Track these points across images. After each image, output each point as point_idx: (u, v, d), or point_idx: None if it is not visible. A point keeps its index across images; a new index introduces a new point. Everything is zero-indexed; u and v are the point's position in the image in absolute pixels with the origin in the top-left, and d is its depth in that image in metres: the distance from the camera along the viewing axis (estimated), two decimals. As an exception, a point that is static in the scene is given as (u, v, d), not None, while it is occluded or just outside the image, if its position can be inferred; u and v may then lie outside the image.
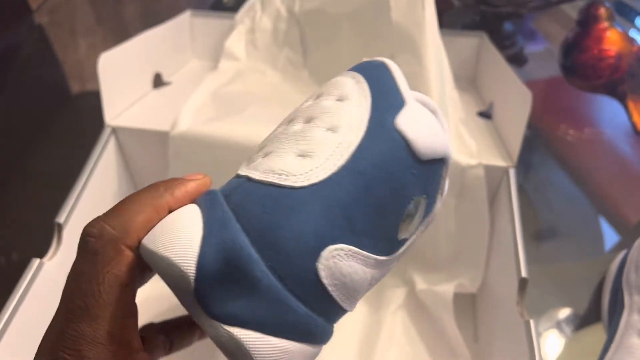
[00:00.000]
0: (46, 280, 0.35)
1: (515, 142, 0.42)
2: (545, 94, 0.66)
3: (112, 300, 0.20)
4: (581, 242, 0.51)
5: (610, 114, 0.61)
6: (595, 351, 0.39)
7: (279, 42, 0.57)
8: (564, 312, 0.44)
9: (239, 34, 0.58)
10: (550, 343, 0.42)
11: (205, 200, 0.22)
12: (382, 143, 0.22)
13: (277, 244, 0.20)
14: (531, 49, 0.73)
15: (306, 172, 0.21)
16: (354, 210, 0.21)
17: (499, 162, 0.42)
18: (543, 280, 0.46)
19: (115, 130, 0.48)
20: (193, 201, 0.23)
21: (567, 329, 0.43)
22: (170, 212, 0.22)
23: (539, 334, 0.42)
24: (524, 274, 0.35)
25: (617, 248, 0.49)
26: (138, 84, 0.52)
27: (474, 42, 0.58)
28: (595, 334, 0.42)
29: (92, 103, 0.49)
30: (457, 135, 0.44)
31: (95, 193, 0.43)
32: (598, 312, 0.44)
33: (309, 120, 0.24)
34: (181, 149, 0.45)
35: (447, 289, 0.44)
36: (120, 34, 0.55)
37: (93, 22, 0.84)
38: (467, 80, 0.60)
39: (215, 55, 0.61)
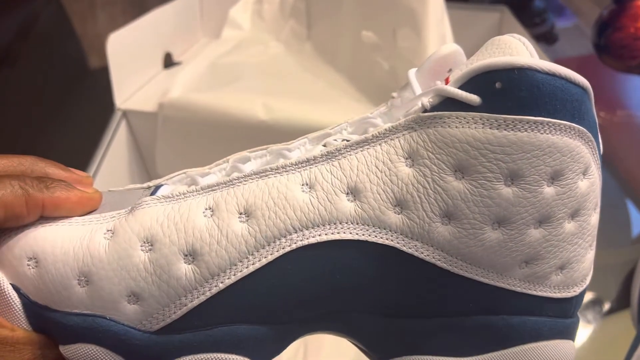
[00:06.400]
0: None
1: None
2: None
3: None
4: (609, 228, 0.49)
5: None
6: (619, 342, 0.38)
7: (285, 14, 0.57)
8: (588, 299, 0.43)
9: (246, 3, 0.58)
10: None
11: None
12: None
13: None
14: (559, 24, 0.70)
15: None
16: None
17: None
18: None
19: (126, 114, 0.47)
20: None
21: (591, 317, 0.42)
22: (43, 209, 0.20)
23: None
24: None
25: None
26: (149, 64, 0.51)
27: (495, 17, 0.55)
28: (621, 324, 0.40)
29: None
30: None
31: (106, 180, 0.43)
32: (626, 303, 0.42)
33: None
34: (170, 118, 0.46)
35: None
36: (140, 5, 0.54)
37: (112, -8, 0.82)
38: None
39: (227, 32, 0.60)
